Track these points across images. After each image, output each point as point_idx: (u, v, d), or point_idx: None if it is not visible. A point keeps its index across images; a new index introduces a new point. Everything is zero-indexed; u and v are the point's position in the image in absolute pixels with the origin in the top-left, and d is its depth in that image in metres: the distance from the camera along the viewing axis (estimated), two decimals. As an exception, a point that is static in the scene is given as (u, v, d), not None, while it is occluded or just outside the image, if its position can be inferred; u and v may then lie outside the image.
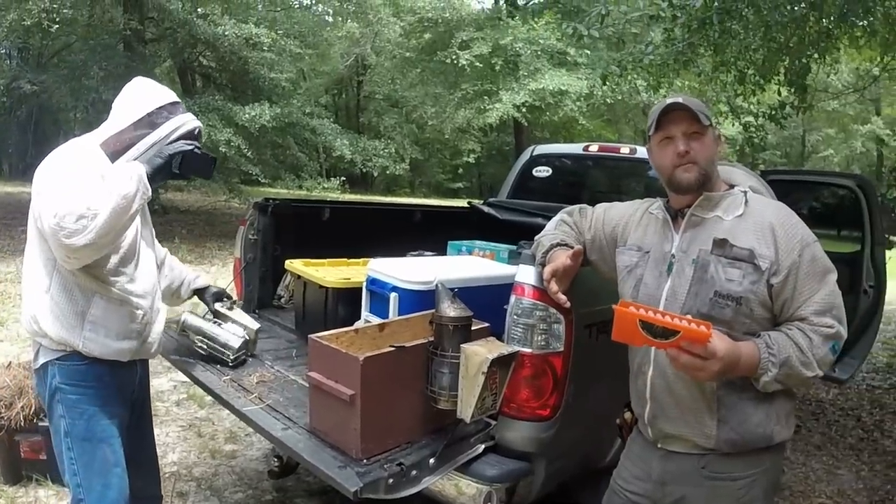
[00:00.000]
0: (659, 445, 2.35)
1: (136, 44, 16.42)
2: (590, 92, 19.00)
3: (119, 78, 15.25)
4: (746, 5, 6.55)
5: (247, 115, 15.21)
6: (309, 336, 2.65)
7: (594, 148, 6.03)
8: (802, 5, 6.86)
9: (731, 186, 2.36)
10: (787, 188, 7.42)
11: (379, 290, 3.27)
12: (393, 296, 3.12)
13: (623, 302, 2.00)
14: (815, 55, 8.39)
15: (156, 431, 3.21)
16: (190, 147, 2.57)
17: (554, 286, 2.48)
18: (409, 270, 3.18)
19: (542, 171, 6.25)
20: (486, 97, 21.33)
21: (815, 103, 12.81)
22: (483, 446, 2.70)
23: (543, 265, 2.58)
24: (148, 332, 2.76)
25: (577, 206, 2.79)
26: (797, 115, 9.89)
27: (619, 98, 19.01)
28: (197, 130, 2.72)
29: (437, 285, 2.60)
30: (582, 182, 6.54)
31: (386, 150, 19.36)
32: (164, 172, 2.52)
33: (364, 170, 20.63)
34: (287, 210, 4.60)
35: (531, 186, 6.24)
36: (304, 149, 19.19)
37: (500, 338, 2.68)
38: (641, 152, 5.58)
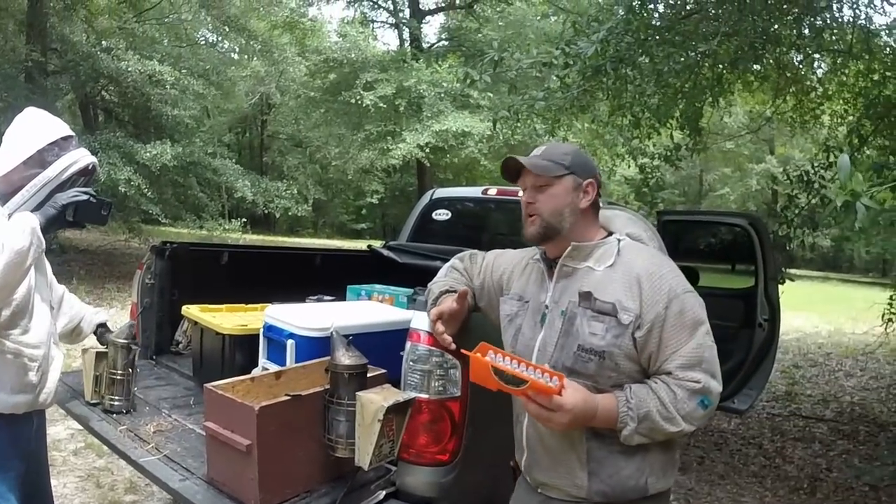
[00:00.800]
0: (539, 491, 2.35)
1: (38, 75, 15.95)
2: (491, 134, 19.21)
3: (19, 110, 14.85)
4: (640, 54, 6.73)
5: (148, 154, 14.92)
6: (204, 385, 2.63)
7: (493, 191, 6.08)
8: (694, 54, 7.10)
9: (609, 233, 2.35)
10: (683, 228, 7.73)
11: (276, 337, 3.26)
12: (290, 343, 3.12)
13: (482, 345, 2.07)
14: (710, 99, 8.73)
15: (53, 482, 3.11)
16: (84, 197, 2.48)
17: (440, 327, 2.47)
18: (305, 317, 3.18)
19: (442, 214, 6.28)
20: (389, 138, 21.45)
21: (711, 144, 13.24)
22: (384, 493, 2.70)
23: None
24: (43, 382, 2.65)
25: (468, 252, 2.81)
26: (692, 157, 10.16)
27: (520, 139, 19.28)
28: (91, 166, 2.63)
29: (332, 333, 2.61)
30: (481, 225, 6.61)
31: (288, 192, 19.21)
32: (59, 223, 2.46)
33: (266, 211, 20.44)
34: (185, 253, 4.54)
35: (431, 229, 6.26)
36: (205, 189, 18.89)
37: (398, 384, 2.69)
38: None
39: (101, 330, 3.31)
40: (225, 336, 3.63)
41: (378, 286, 4.44)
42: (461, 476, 2.80)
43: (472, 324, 2.65)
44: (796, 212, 8.14)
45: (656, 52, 6.76)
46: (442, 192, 6.58)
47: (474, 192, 6.47)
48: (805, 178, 8.05)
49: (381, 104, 20.79)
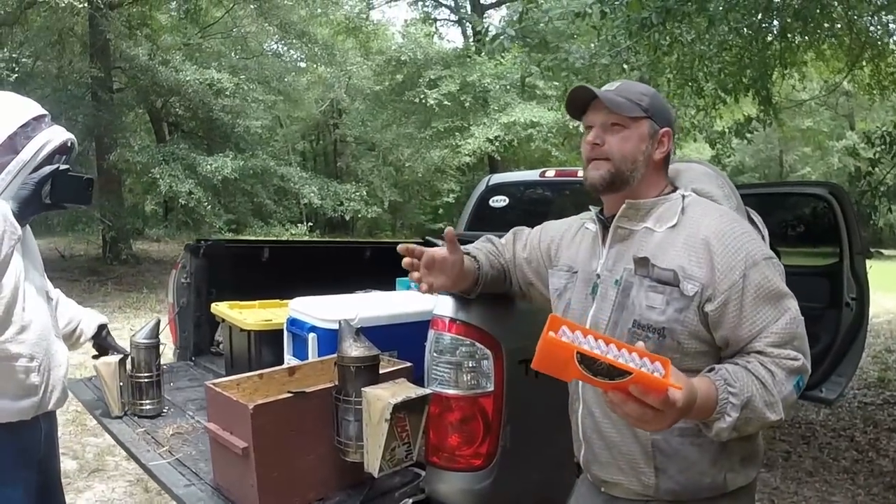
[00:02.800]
0: (602, 490, 2.04)
1: (103, 93, 16.22)
2: (563, 123, 18.94)
3: (88, 129, 15.39)
4: (689, 3, 6.16)
5: (209, 167, 15.00)
6: (205, 383, 2.37)
7: (551, 173, 5.82)
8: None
9: (674, 188, 2.03)
10: (756, 202, 7.18)
11: (298, 331, 2.98)
12: (311, 336, 2.84)
13: (553, 318, 1.50)
14: (778, 66, 8.22)
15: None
16: (57, 169, 2.23)
17: (416, 274, 2.15)
18: (329, 308, 2.90)
19: (499, 201, 6.04)
20: (458, 134, 21.38)
21: (786, 119, 12.64)
22: (411, 501, 2.38)
23: None
24: (48, 381, 2.39)
25: (515, 229, 2.51)
26: (765, 129, 9.66)
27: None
28: (69, 143, 2.37)
29: (339, 323, 2.31)
30: (541, 209, 6.27)
31: (357, 194, 19.23)
32: (35, 205, 2.21)
33: (336, 214, 20.46)
34: (221, 251, 4.34)
35: (488, 216, 6.03)
36: (273, 195, 19.00)
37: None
38: None
39: (104, 332, 3.08)
40: (250, 332, 3.40)
41: (431, 277, 4.14)
42: (500, 481, 2.45)
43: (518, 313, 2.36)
44: (879, 180, 7.55)
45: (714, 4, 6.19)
46: (499, 178, 6.32)
47: (532, 175, 6.19)
48: (888, 140, 7.45)
49: (446, 101, 20.76)
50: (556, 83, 18.72)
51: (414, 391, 2.13)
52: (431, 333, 2.37)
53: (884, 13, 8.12)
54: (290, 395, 2.17)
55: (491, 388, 2.37)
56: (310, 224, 20.39)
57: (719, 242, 1.81)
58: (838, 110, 27.90)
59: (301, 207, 23.21)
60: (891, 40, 9.38)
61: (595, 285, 1.99)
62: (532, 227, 2.50)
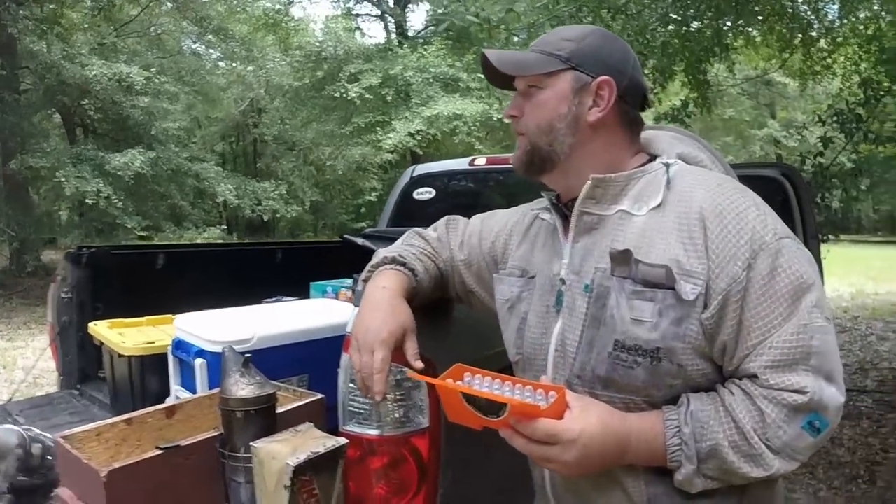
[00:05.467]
0: None
1: (8, 94, 15.29)
2: (486, 116, 18.68)
3: None
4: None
5: (118, 162, 14.23)
6: (55, 436, 1.80)
7: (481, 161, 5.30)
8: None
9: (653, 158, 1.55)
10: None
11: (185, 356, 2.41)
12: (199, 363, 2.27)
13: (456, 367, 1.41)
14: (715, 48, 8.13)
15: None
16: None
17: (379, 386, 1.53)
18: (220, 326, 2.35)
19: (425, 193, 5.49)
20: (379, 129, 20.98)
21: (715, 107, 12.74)
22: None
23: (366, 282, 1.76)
24: None
25: (445, 218, 2.00)
26: (701, 114, 9.65)
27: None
28: None
29: (223, 350, 1.74)
30: (471, 202, 5.60)
31: (276, 192, 18.63)
32: None
33: (255, 214, 19.83)
34: (107, 259, 3.73)
35: (413, 210, 5.46)
36: (188, 197, 18.26)
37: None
38: None
39: None
40: (131, 358, 2.81)
41: (349, 281, 3.60)
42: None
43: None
44: (831, 160, 7.39)
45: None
46: (424, 168, 5.74)
47: (461, 164, 5.61)
48: (841, 119, 7.25)
49: (368, 95, 20.33)
50: (480, 76, 18.61)
51: (322, 443, 1.53)
52: (345, 359, 1.82)
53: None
54: (158, 451, 1.61)
55: (426, 423, 1.85)
56: (223, 227, 19.66)
57: (717, 220, 1.34)
58: (760, 99, 28.22)
59: (219, 209, 22.61)
60: (822, 25, 9.47)
61: (560, 294, 1.50)
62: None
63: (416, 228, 1.98)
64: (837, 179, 7.23)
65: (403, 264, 1.75)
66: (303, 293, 3.60)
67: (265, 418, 1.62)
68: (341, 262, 4.58)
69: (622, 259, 1.39)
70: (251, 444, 1.53)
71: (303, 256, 4.97)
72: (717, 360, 1.37)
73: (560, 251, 1.54)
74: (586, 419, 1.29)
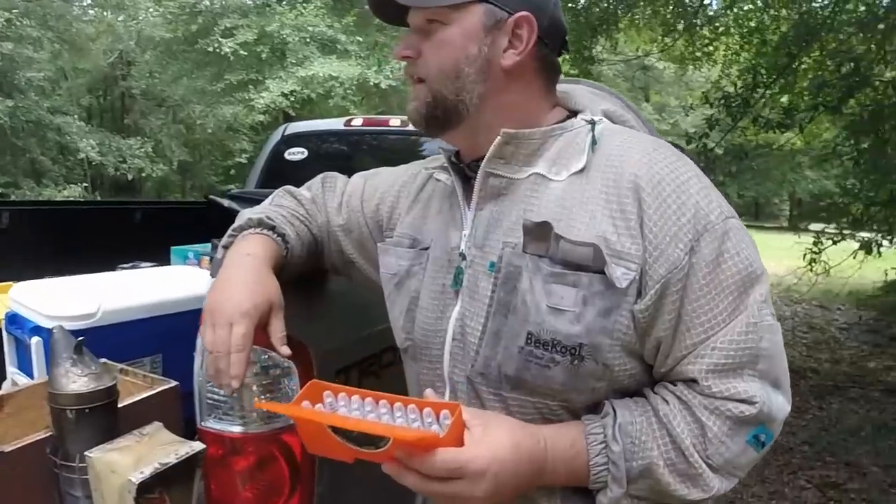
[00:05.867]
0: None
1: None
2: (363, 80, 18.31)
3: None
4: None
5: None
6: None
7: (358, 122, 5.00)
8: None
9: (573, 114, 1.31)
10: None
11: (20, 333, 2.03)
12: (35, 341, 1.90)
13: (312, 384, 1.16)
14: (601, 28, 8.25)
15: None
16: None
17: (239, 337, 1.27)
18: (60, 297, 1.99)
19: (297, 153, 5.13)
20: (252, 87, 20.27)
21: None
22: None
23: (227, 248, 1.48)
24: None
25: (321, 175, 1.71)
26: None
27: (393, 84, 18.39)
28: None
29: (53, 331, 1.40)
30: (346, 164, 5.12)
31: (142, 150, 17.78)
32: None
33: (119, 173, 18.92)
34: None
35: (285, 172, 5.07)
36: (49, 151, 17.25)
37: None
38: None
39: None
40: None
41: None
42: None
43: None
44: (716, 142, 7.60)
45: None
46: (297, 127, 5.39)
47: (336, 124, 5.29)
48: (728, 102, 7.35)
49: (242, 51, 19.62)
50: (359, 38, 18.31)
51: (174, 450, 1.23)
52: (201, 341, 1.52)
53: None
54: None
55: (299, 417, 1.58)
56: (86, 185, 18.70)
57: (654, 193, 1.12)
58: (635, 82, 28.75)
59: (83, 166, 21.61)
60: (704, 15, 9.75)
61: (459, 271, 1.26)
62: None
63: (288, 187, 1.69)
64: (720, 161, 7.40)
65: (272, 228, 1.46)
66: (164, 258, 3.25)
67: (104, 418, 1.30)
68: (206, 224, 4.26)
69: (539, 233, 1.16)
70: (87, 453, 1.23)
71: (164, 217, 4.59)
72: (647, 360, 1.17)
73: (459, 220, 1.30)
74: (493, 442, 1.07)
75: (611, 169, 1.17)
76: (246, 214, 1.51)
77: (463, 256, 1.26)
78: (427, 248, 1.35)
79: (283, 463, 1.58)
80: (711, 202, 1.14)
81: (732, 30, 9.95)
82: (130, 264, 3.12)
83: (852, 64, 6.55)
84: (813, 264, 8.66)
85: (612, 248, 1.11)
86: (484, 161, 1.23)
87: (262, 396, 1.52)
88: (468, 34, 1.20)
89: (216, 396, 1.53)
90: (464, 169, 1.32)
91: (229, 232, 1.50)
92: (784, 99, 8.19)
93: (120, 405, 1.37)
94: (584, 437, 1.13)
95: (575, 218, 1.15)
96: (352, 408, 1.13)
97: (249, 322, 1.26)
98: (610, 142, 1.21)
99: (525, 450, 1.09)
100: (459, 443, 1.05)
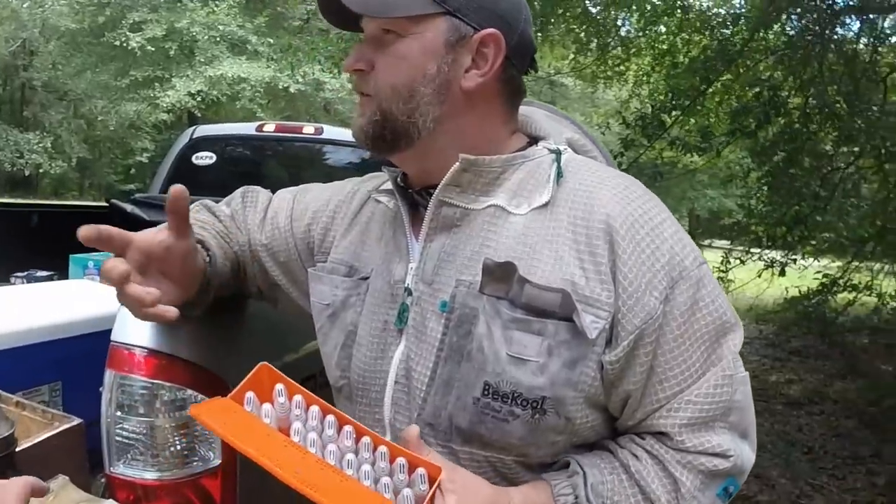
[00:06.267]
0: None
1: None
2: (272, 83, 18.29)
3: None
4: None
5: None
6: None
7: (270, 128, 4.85)
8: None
9: (534, 141, 1.21)
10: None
11: None
12: None
13: (263, 367, 1.07)
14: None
15: None
16: None
17: (117, 270, 1.05)
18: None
19: (205, 158, 4.95)
20: (157, 84, 19.86)
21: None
22: None
23: None
24: None
25: (242, 189, 1.55)
26: None
27: (303, 89, 18.31)
28: None
29: None
30: (256, 171, 5.29)
31: (40, 145, 17.12)
32: None
33: (15, 168, 18.24)
34: None
35: (191, 177, 4.87)
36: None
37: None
38: (330, 132, 4.61)
39: None
40: None
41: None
42: None
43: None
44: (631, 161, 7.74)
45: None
46: (206, 130, 5.22)
47: (247, 129, 5.14)
48: (644, 122, 7.48)
49: (149, 47, 19.11)
50: (270, 40, 18.10)
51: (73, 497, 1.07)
52: (110, 376, 1.38)
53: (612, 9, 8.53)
54: None
55: (217, 459, 1.44)
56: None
57: (628, 236, 1.06)
58: (542, 97, 29.32)
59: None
60: (618, 35, 10.02)
61: (404, 307, 1.14)
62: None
63: (204, 201, 1.53)
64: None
65: (200, 242, 1.29)
66: (61, 266, 3.12)
67: (-2, 472, 1.12)
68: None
69: (501, 274, 1.06)
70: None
71: (62, 221, 4.36)
72: (613, 412, 1.10)
73: (405, 250, 1.19)
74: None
75: (579, 207, 1.08)
76: None
77: (409, 292, 1.15)
78: (366, 278, 1.23)
79: (199, 510, 1.44)
80: (685, 247, 1.08)
81: (644, 52, 10.13)
82: (25, 273, 3.03)
83: (771, 92, 6.72)
84: (720, 283, 8.88)
85: (581, 294, 1.03)
86: (438, 189, 1.13)
87: (179, 438, 1.38)
88: (427, 50, 1.09)
89: (125, 436, 1.38)
90: (412, 194, 1.21)
91: None
92: (694, 121, 8.45)
93: (21, 447, 1.20)
94: (552, 498, 1.06)
95: (538, 258, 1.06)
96: (309, 424, 1.01)
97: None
98: (576, 175, 1.12)
99: None
100: None
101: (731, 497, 1.11)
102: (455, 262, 1.11)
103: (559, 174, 1.11)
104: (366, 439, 1.01)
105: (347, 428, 1.01)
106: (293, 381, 1.06)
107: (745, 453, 1.10)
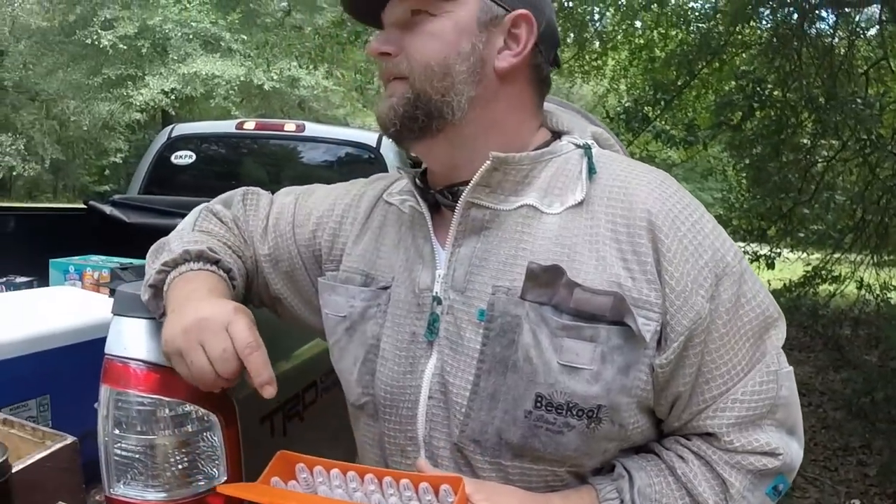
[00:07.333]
0: None
1: None
2: (246, 79, 18.34)
3: None
4: None
5: None
6: None
7: (250, 126, 4.79)
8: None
9: (556, 136, 1.16)
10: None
11: None
12: None
13: (282, 454, 1.06)
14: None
15: None
16: None
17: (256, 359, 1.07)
18: None
19: (185, 157, 4.86)
20: (130, 83, 19.94)
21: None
22: None
23: (158, 293, 1.22)
24: None
25: (242, 190, 1.45)
26: None
27: (277, 86, 18.25)
28: None
29: None
30: (236, 170, 5.21)
31: (13, 147, 16.98)
32: None
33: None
34: None
35: (170, 177, 4.84)
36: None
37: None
38: (312, 129, 4.56)
39: None
40: None
41: (95, 258, 3.04)
42: None
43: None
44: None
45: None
46: (183, 129, 5.14)
47: (226, 126, 5.05)
48: (627, 116, 7.49)
49: (121, 45, 19.22)
50: (244, 37, 18.06)
51: None
52: (107, 392, 1.28)
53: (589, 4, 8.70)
54: None
55: (222, 477, 1.34)
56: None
57: (672, 233, 1.01)
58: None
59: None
60: (594, 29, 10.12)
61: (434, 318, 1.07)
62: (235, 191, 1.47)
63: (209, 206, 1.43)
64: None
65: (216, 262, 1.23)
66: (41, 271, 3.01)
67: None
68: (86, 232, 3.99)
69: (546, 279, 1.00)
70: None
71: (40, 225, 4.25)
72: (660, 415, 1.07)
73: (429, 256, 1.12)
74: None
75: (616, 204, 1.03)
76: (176, 243, 1.26)
77: (438, 300, 1.08)
78: (387, 288, 1.16)
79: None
80: (725, 242, 1.04)
81: (621, 46, 10.25)
82: (5, 279, 2.92)
83: (758, 86, 6.74)
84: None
85: (630, 296, 0.98)
86: (467, 189, 1.06)
87: (181, 455, 1.29)
88: (460, 27, 1.05)
89: (124, 454, 1.29)
90: (433, 195, 1.14)
91: (158, 267, 1.22)
92: (676, 115, 8.54)
93: (14, 469, 1.12)
94: (597, 499, 1.04)
95: (579, 259, 1.01)
96: (333, 485, 1.01)
97: (246, 317, 1.09)
98: (608, 170, 1.07)
99: None
100: None
101: (781, 495, 1.09)
102: (489, 268, 1.06)
103: (591, 170, 1.06)
104: (387, 479, 1.00)
105: (368, 476, 1.01)
106: (311, 457, 1.05)
107: (794, 450, 1.07)
